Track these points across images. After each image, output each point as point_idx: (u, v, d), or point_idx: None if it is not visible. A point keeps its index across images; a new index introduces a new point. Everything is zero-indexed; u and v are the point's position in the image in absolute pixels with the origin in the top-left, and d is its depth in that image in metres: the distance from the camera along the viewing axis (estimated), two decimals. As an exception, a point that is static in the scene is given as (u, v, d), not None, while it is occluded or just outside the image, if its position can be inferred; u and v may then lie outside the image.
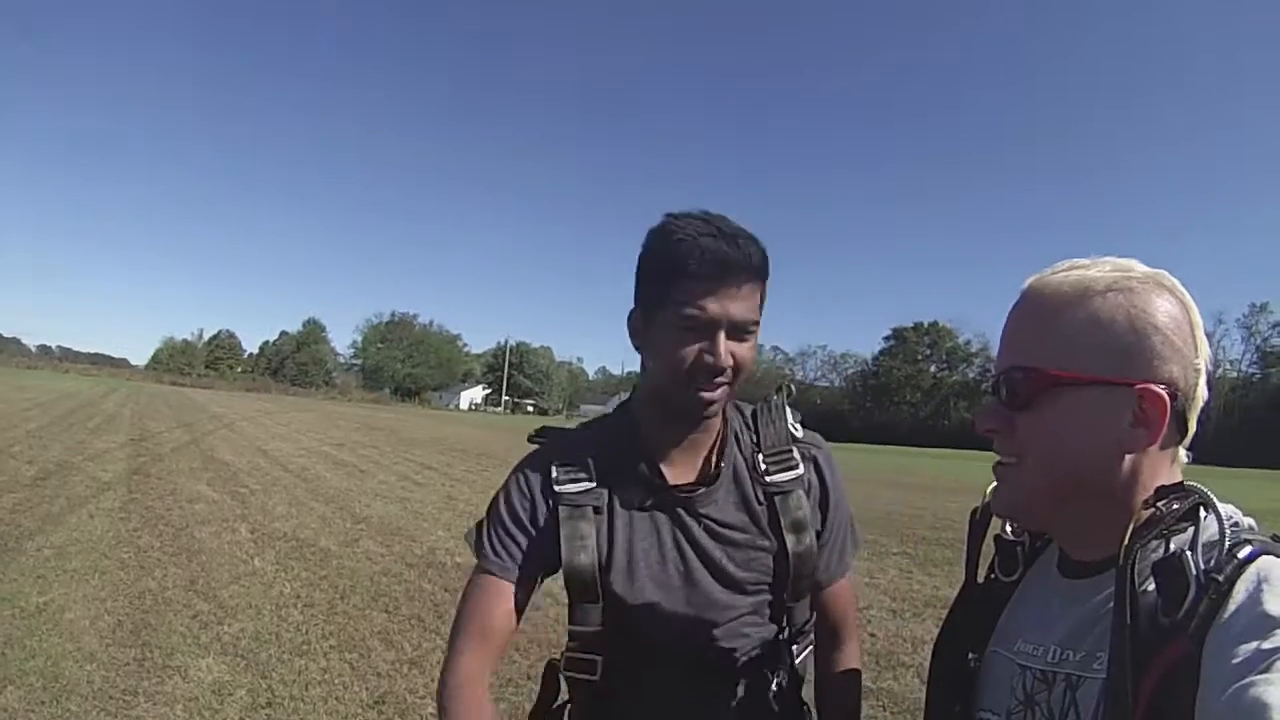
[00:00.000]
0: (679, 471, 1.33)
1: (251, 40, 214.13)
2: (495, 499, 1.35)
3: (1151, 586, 0.74)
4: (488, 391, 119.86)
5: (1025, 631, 0.93)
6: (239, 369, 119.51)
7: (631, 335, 1.33)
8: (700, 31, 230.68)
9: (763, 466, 1.34)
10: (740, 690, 1.32)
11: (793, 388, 1.45)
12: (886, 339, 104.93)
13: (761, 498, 1.32)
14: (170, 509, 9.04)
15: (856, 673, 1.46)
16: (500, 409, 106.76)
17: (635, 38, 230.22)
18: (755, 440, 1.37)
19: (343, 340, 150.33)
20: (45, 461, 11.93)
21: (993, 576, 1.03)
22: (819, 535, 1.36)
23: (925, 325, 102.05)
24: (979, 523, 1.02)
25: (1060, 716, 0.83)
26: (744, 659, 1.32)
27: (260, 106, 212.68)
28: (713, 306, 1.18)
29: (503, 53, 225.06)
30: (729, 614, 1.30)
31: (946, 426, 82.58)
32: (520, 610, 1.29)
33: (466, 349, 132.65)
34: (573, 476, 1.30)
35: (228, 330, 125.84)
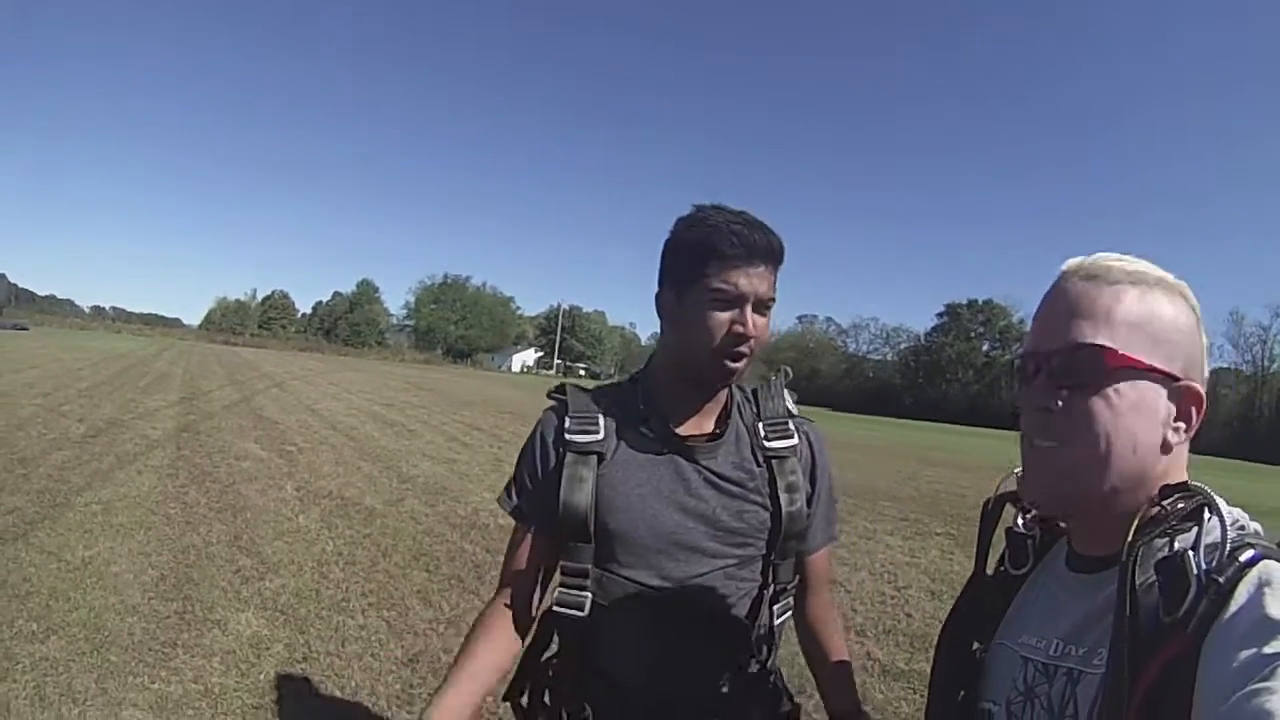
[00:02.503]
0: (686, 428, 1.44)
1: (307, 6, 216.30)
2: (520, 452, 1.50)
3: (1154, 585, 0.73)
4: (540, 354, 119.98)
5: (1030, 625, 0.93)
6: (292, 329, 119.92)
7: (660, 313, 1.45)
8: (763, 7, 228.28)
9: (762, 433, 1.46)
10: (719, 639, 1.40)
11: (790, 371, 1.59)
12: (940, 315, 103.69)
13: (760, 460, 1.44)
14: (218, 466, 9.16)
15: (837, 623, 1.58)
16: (552, 372, 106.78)
17: (699, 10, 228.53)
18: (756, 410, 1.50)
19: (396, 301, 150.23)
20: (95, 419, 12.03)
21: (1002, 569, 1.03)
22: (809, 502, 1.47)
23: (979, 303, 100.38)
24: (990, 514, 1.03)
25: (1059, 710, 0.83)
26: (725, 609, 1.39)
27: (318, 70, 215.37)
28: (743, 282, 1.32)
29: (558, 18, 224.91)
30: (716, 563, 1.39)
31: (997, 406, 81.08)
32: (547, 550, 1.45)
33: (519, 312, 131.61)
34: (583, 428, 1.42)
35: (281, 290, 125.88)
